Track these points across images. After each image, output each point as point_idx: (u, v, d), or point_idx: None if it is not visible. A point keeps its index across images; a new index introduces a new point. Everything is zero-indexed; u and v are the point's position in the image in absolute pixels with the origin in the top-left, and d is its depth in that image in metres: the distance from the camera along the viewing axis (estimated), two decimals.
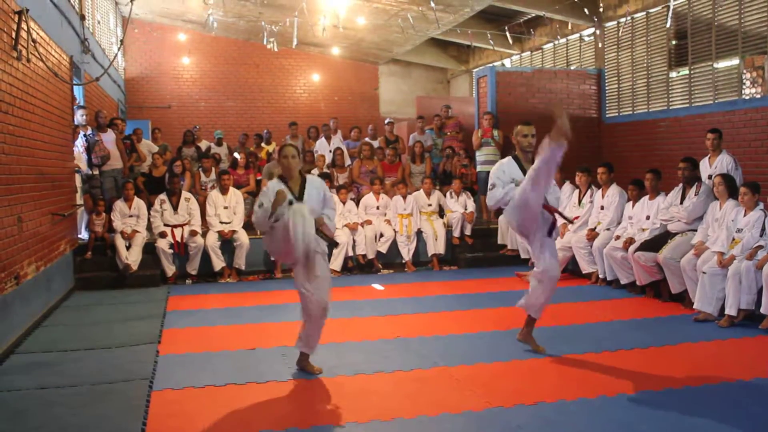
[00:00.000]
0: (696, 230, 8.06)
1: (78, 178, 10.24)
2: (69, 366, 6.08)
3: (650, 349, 6.32)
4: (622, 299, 8.60)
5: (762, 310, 6.87)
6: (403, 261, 11.08)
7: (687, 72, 11.49)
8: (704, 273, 7.36)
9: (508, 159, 6.17)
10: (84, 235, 10.49)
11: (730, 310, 7.11)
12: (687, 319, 7.44)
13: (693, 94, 11.30)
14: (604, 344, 6.49)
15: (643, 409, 4.80)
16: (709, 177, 8.31)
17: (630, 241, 8.72)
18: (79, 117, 10.70)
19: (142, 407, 4.98)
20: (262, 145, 14.25)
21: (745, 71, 10.26)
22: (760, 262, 6.89)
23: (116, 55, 15.75)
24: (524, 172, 5.92)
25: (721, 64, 10.85)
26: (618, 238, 9.03)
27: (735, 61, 10.50)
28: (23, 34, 7.21)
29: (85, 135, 10.66)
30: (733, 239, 7.40)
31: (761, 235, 7.21)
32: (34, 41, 7.65)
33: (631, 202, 9.21)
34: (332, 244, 6.12)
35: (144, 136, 13.29)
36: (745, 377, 5.45)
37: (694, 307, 7.48)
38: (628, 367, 5.73)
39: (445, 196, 11.67)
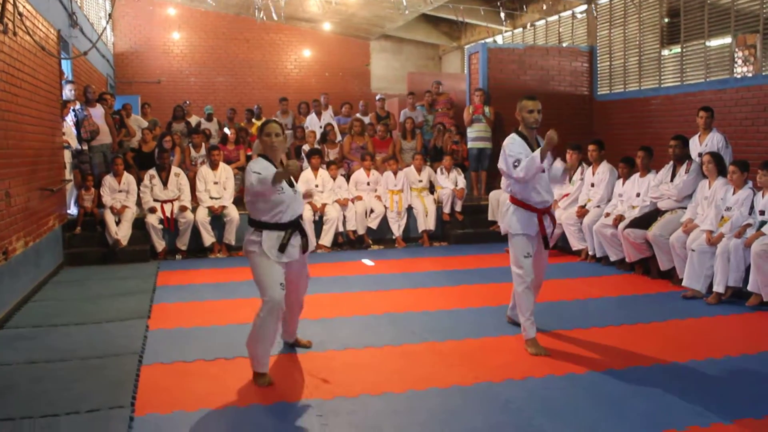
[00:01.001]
0: (686, 208, 8.08)
1: (67, 154, 10.18)
2: (58, 341, 6.08)
3: (638, 326, 6.36)
4: (611, 276, 8.64)
5: (749, 288, 6.91)
6: (394, 237, 11.08)
7: (679, 50, 11.47)
8: (693, 250, 7.39)
9: (514, 136, 5.77)
10: (73, 210, 10.44)
11: (718, 288, 7.15)
12: (675, 296, 7.48)
13: (685, 72, 11.29)
14: (593, 320, 6.53)
15: (632, 384, 4.83)
16: (700, 155, 8.32)
17: (620, 218, 8.74)
18: (68, 92, 10.63)
19: (132, 381, 4.99)
20: (253, 120, 14.18)
21: (737, 50, 10.25)
22: (748, 240, 6.92)
23: (105, 29, 15.62)
24: (531, 147, 5.66)
25: (714, 43, 10.83)
26: (608, 215, 9.05)
27: (727, 40, 10.49)
28: (9, 7, 7.13)
29: (74, 110, 10.60)
30: (722, 217, 7.42)
31: (750, 214, 7.24)
32: (20, 14, 7.57)
33: (621, 180, 9.22)
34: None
35: (133, 112, 13.23)
36: (732, 353, 5.49)
37: (683, 284, 7.51)
38: (616, 343, 5.76)
39: (435, 172, 11.66)
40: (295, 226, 5.13)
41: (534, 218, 5.75)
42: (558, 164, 6.09)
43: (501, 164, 5.83)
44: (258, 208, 5.03)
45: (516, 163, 5.61)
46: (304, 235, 5.24)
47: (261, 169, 4.94)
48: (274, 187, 4.85)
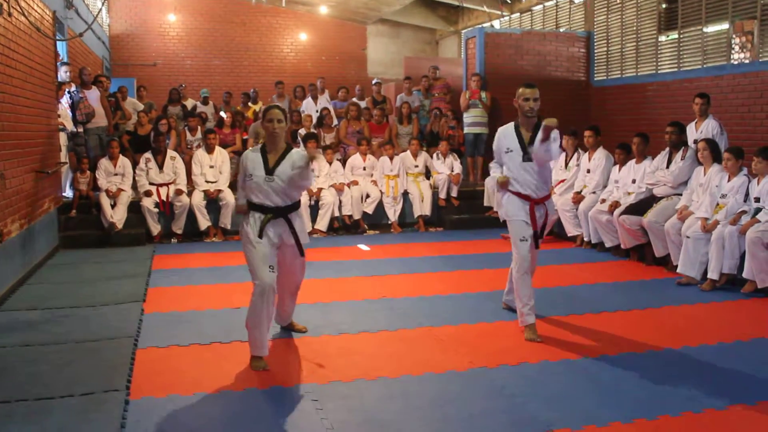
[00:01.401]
0: (681, 194, 8.09)
1: (63, 136, 10.14)
2: (53, 324, 6.07)
3: (633, 312, 6.38)
4: (606, 262, 8.66)
5: (744, 275, 6.94)
6: (389, 222, 11.08)
7: (676, 36, 11.44)
8: (688, 237, 7.40)
9: (508, 126, 5.78)
10: (68, 193, 10.42)
11: (713, 274, 7.17)
12: (670, 283, 7.50)
13: (682, 59, 11.27)
14: (588, 306, 6.55)
15: (626, 370, 4.85)
16: (695, 142, 8.32)
17: (615, 204, 8.75)
18: (63, 74, 10.57)
19: (127, 365, 4.99)
20: (249, 104, 14.13)
21: (734, 36, 10.23)
22: (743, 227, 6.93)
23: (100, 10, 15.54)
24: (521, 140, 5.63)
25: (711, 29, 10.81)
26: (603, 201, 9.06)
27: (724, 26, 10.47)
28: None
29: (69, 92, 10.54)
30: (717, 204, 7.44)
31: (745, 201, 7.25)
32: None
33: (617, 166, 9.22)
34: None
35: (129, 94, 13.18)
36: (726, 340, 5.52)
37: (678, 270, 7.53)
38: (611, 330, 5.78)
39: (431, 157, 11.64)
40: (275, 212, 5.09)
41: (526, 206, 5.70)
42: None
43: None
44: (244, 186, 5.22)
45: (494, 159, 5.98)
46: (291, 227, 5.16)
47: (251, 168, 5.09)
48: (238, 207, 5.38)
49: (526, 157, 5.61)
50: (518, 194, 5.72)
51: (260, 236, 5.00)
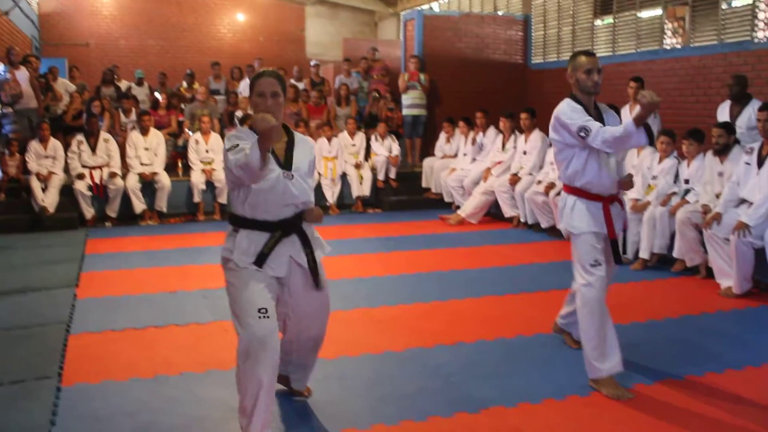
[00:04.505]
0: None
1: None
2: None
3: (568, 291, 6.45)
4: (542, 242, 8.79)
5: (674, 254, 7.12)
6: (328, 203, 11.04)
7: (611, 20, 11.62)
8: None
9: (570, 102, 4.46)
10: None
11: (644, 254, 7.35)
12: None
13: (617, 43, 11.46)
14: (524, 286, 6.65)
15: (560, 347, 4.96)
16: None
17: (551, 185, 8.87)
18: None
19: (59, 351, 4.89)
20: (184, 84, 13.87)
21: (667, 21, 10.44)
22: (673, 208, 7.11)
23: None
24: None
25: (645, 14, 11.01)
26: (540, 182, 9.17)
27: (658, 11, 10.67)
28: None
29: None
30: (649, 185, 7.61)
31: (675, 182, 7.44)
32: None
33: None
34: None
35: (60, 75, 12.80)
36: (656, 317, 5.68)
37: None
38: (546, 308, 5.86)
39: (369, 139, 11.63)
40: (286, 227, 3.59)
41: (601, 210, 4.39)
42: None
43: (562, 137, 4.50)
44: (234, 195, 3.55)
45: (583, 133, 4.22)
46: (307, 245, 3.69)
47: (238, 140, 3.40)
48: (262, 170, 3.21)
49: None
50: (590, 196, 4.42)
51: (260, 264, 3.50)
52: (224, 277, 3.58)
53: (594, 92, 4.40)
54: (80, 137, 10.14)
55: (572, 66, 4.45)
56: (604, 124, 4.26)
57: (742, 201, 6.48)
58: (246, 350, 3.35)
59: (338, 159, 11.10)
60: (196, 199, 10.33)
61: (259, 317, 3.37)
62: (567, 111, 4.36)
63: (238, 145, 3.31)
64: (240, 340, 3.40)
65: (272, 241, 3.51)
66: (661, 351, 4.92)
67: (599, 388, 4.20)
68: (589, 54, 4.47)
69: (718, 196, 6.78)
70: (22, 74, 10.52)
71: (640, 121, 3.99)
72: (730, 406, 4.02)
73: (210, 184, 10.32)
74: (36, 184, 9.59)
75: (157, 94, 12.63)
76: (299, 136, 3.71)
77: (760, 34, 9.02)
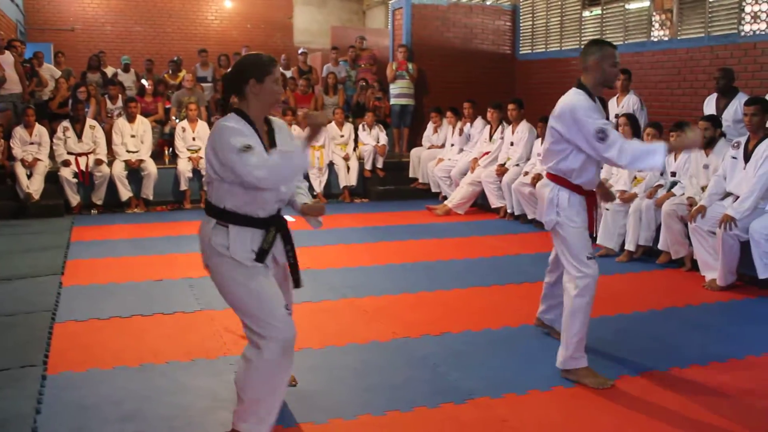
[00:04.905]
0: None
1: None
2: None
3: None
4: (528, 233, 8.81)
5: (659, 246, 7.15)
6: (315, 193, 11.01)
7: (599, 12, 11.64)
8: (607, 209, 7.57)
9: (581, 93, 4.24)
10: None
11: (630, 246, 7.38)
12: None
13: (604, 34, 11.47)
14: (510, 277, 6.66)
15: (545, 338, 4.96)
16: (617, 116, 8.49)
17: (538, 177, 8.87)
18: None
19: (44, 339, 4.86)
20: (180, 73, 13.76)
21: (654, 13, 10.47)
22: (659, 201, 7.13)
23: None
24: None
25: (632, 6, 11.03)
26: (526, 173, 9.19)
27: (645, 3, 10.69)
28: None
29: None
30: (635, 178, 7.64)
31: (661, 175, 7.46)
32: None
33: (540, 139, 9.35)
34: None
35: (46, 60, 12.69)
36: (641, 309, 5.70)
37: (597, 242, 7.69)
38: (531, 300, 5.85)
39: (357, 128, 11.61)
40: (277, 223, 3.53)
41: (584, 204, 4.40)
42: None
43: (567, 130, 4.24)
44: (223, 189, 3.36)
45: (601, 135, 3.99)
46: (288, 242, 3.59)
47: (243, 136, 3.19)
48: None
49: None
50: (578, 190, 4.37)
51: (262, 261, 3.38)
52: (216, 269, 3.47)
53: (610, 86, 4.36)
54: (66, 123, 10.07)
55: (600, 55, 4.17)
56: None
57: (728, 194, 6.52)
58: (280, 351, 3.28)
59: (325, 148, 11.07)
60: (183, 187, 10.29)
61: (287, 314, 3.35)
62: (585, 106, 4.14)
63: (250, 145, 3.14)
64: (269, 341, 3.26)
65: (271, 237, 3.43)
66: (646, 343, 4.95)
67: (579, 380, 4.20)
68: (613, 45, 4.27)
69: (703, 188, 6.82)
70: (7, 59, 10.43)
71: (671, 151, 4.02)
72: (713, 398, 4.05)
73: (196, 172, 10.25)
74: (21, 171, 9.51)
75: (143, 81, 12.55)
76: (276, 122, 3.54)
77: (746, 28, 9.07)
